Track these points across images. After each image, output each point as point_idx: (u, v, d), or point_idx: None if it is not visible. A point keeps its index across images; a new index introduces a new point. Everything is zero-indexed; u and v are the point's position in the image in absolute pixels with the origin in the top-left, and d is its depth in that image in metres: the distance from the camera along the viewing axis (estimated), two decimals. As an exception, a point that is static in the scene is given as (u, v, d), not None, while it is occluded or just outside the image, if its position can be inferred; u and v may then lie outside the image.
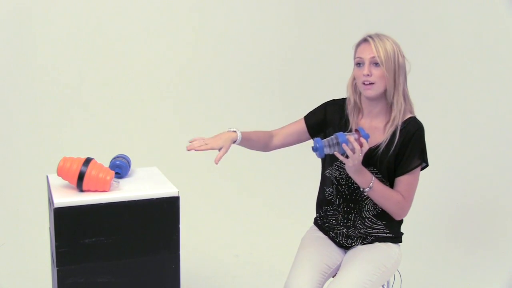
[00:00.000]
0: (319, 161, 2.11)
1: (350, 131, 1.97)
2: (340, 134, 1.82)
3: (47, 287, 2.44)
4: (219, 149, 1.84)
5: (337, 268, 2.01)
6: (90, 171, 1.79)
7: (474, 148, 3.64)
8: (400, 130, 1.91)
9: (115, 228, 1.80)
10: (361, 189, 1.92)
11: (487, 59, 3.62)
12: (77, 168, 1.79)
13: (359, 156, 1.80)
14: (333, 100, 2.09)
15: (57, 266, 1.76)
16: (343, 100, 2.06)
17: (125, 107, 3.66)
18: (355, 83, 1.97)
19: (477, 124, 3.66)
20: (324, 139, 1.83)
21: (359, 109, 2.01)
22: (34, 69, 3.46)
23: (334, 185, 2.04)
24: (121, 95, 3.65)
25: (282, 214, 3.63)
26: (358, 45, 1.93)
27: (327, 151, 1.82)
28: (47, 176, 2.02)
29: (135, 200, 1.81)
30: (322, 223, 2.12)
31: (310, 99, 2.30)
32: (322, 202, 2.11)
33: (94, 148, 3.28)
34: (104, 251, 1.79)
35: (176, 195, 1.85)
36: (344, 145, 1.79)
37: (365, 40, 1.91)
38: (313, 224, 2.18)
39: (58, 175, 1.83)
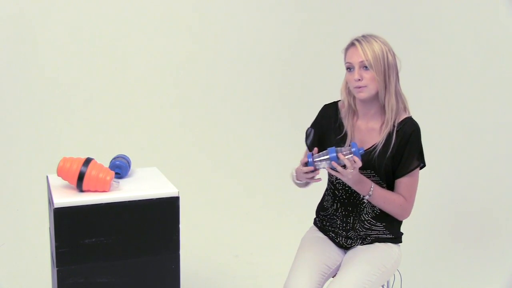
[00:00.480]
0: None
1: (345, 136, 1.96)
2: (331, 149, 1.79)
3: (47, 287, 2.44)
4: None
5: (337, 269, 2.01)
6: (90, 171, 1.79)
7: (474, 148, 3.64)
8: (396, 131, 1.90)
9: (115, 228, 1.80)
10: (361, 197, 1.92)
11: (486, 59, 3.62)
12: (77, 168, 1.79)
13: (351, 172, 1.79)
14: (325, 105, 2.09)
15: (57, 267, 1.77)
16: (335, 104, 2.06)
17: (125, 107, 3.66)
18: (349, 87, 1.97)
19: (477, 124, 3.66)
20: (316, 154, 1.82)
21: (354, 112, 2.00)
22: (34, 69, 3.46)
23: (331, 190, 2.04)
24: (121, 95, 3.64)
25: (282, 214, 3.62)
26: (347, 49, 1.93)
27: (318, 165, 1.81)
28: (47, 176, 2.02)
29: (135, 200, 1.81)
30: (321, 225, 2.12)
31: (310, 99, 2.31)
32: (321, 206, 2.13)
33: (94, 148, 3.28)
34: (104, 251, 1.79)
35: (176, 195, 1.85)
36: (333, 163, 1.78)
37: (352, 44, 1.90)
38: (312, 225, 2.18)
39: (58, 175, 1.83)
